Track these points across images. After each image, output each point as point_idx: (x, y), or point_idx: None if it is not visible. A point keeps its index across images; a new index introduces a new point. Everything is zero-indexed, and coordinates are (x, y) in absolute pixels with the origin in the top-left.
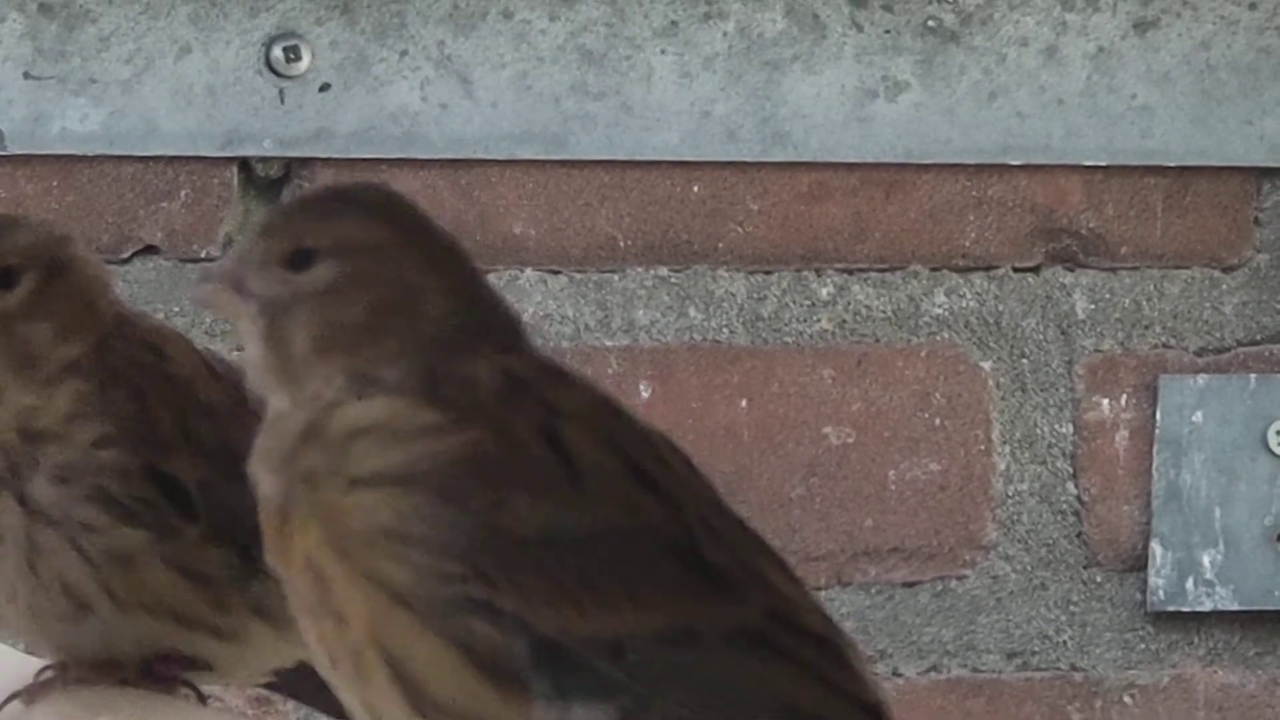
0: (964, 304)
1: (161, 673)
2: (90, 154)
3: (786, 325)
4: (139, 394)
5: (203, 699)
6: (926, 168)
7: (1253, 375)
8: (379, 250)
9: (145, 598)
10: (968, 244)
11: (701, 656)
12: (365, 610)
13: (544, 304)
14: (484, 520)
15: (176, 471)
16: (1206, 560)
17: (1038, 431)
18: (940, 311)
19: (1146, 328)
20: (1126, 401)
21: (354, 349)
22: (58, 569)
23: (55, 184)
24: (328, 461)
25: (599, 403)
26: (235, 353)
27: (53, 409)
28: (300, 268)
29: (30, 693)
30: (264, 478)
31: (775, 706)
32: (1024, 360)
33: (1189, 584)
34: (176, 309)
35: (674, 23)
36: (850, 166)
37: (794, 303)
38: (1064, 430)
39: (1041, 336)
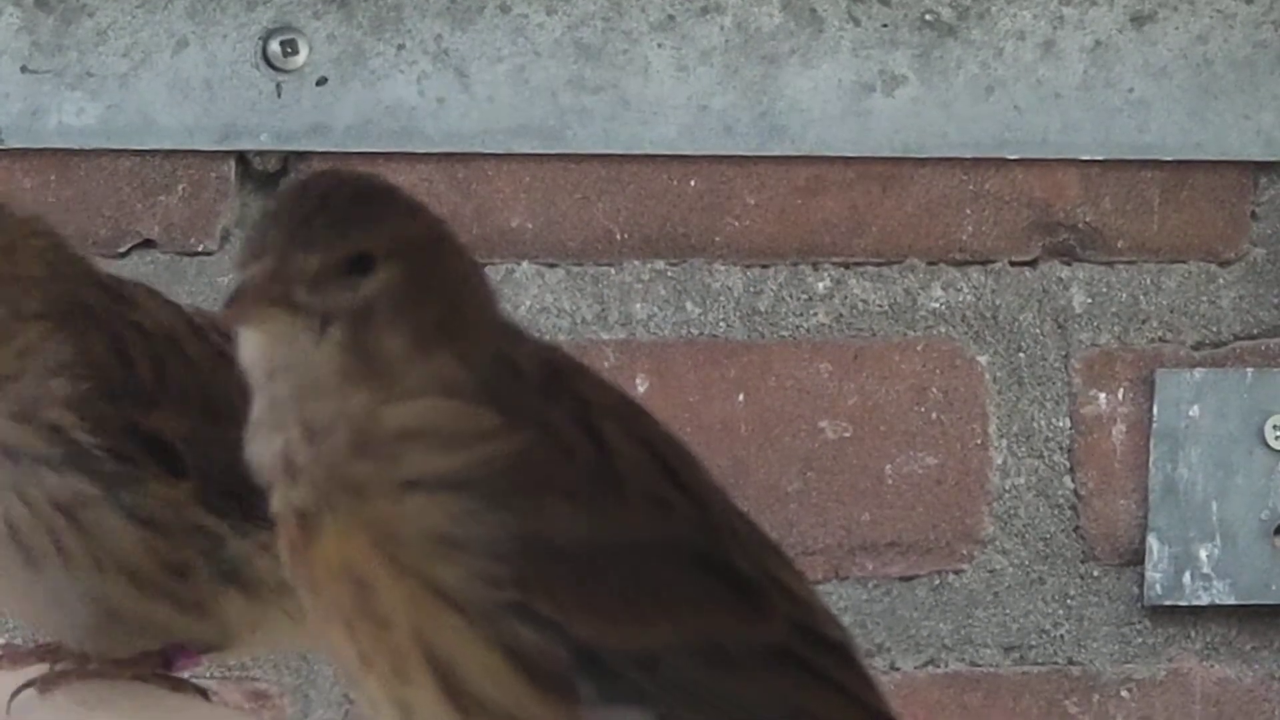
0: (961, 298)
1: (177, 661)
2: (87, 148)
3: (783, 319)
4: (117, 345)
5: (207, 696)
6: (923, 161)
7: (1250, 369)
8: (434, 245)
9: (95, 552)
10: (965, 238)
11: (729, 672)
12: (411, 612)
13: (541, 297)
14: (526, 526)
15: (160, 427)
16: (1203, 554)
17: (1034, 425)
18: (937, 305)
19: (1143, 322)
20: (1123, 395)
21: (453, 339)
22: (5, 511)
23: (52, 178)
24: (377, 468)
25: (622, 397)
26: None
27: (7, 350)
28: (361, 273)
29: (45, 681)
30: (294, 489)
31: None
32: (1021, 354)
33: (1186, 578)
34: None
35: (671, 16)
36: (847, 160)
37: (791, 296)
38: (1061, 424)
39: (1038, 330)
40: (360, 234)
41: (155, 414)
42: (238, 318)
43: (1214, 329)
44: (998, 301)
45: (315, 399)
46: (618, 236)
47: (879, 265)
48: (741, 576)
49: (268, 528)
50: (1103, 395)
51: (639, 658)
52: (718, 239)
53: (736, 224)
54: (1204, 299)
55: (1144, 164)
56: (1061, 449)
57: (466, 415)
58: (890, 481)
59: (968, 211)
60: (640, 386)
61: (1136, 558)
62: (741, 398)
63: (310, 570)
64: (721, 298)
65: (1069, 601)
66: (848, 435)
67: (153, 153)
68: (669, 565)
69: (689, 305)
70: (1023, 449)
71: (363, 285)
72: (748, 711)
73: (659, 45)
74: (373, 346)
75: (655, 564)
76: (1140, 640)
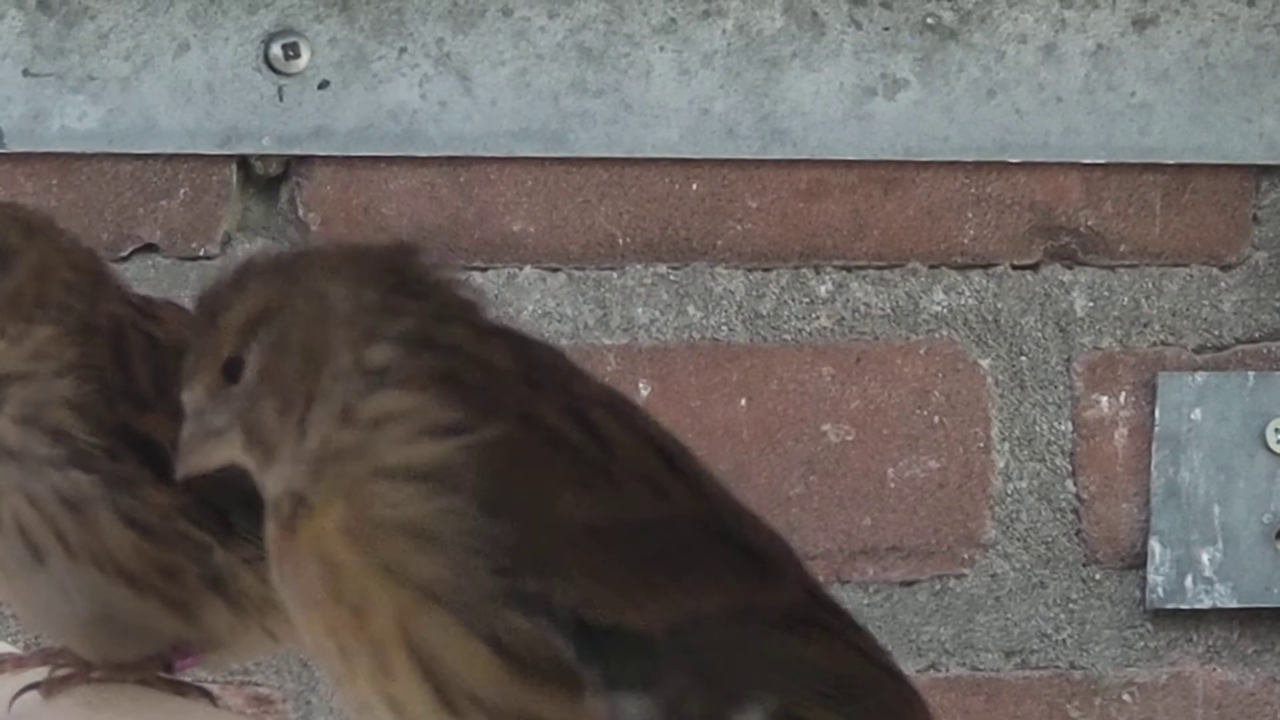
0: (963, 301)
1: (180, 661)
2: (89, 152)
3: (785, 323)
4: (118, 347)
5: (213, 700)
6: (925, 165)
7: (1251, 373)
8: (279, 312)
9: (95, 548)
10: (966, 241)
11: (758, 635)
12: (391, 604)
13: (543, 302)
14: (528, 515)
15: (152, 430)
16: (1205, 558)
17: (1036, 429)
18: (939, 309)
19: (1145, 325)
20: (1125, 399)
21: (302, 399)
22: (14, 509)
23: (54, 182)
24: (357, 440)
25: (610, 391)
26: None
27: (20, 350)
28: (235, 375)
29: (49, 685)
30: (280, 481)
31: (829, 681)
32: (1023, 358)
33: (1188, 581)
34: None
35: (673, 20)
36: (849, 164)
37: (793, 300)
38: (1063, 428)
39: (1040, 334)
40: (219, 342)
41: (148, 416)
42: (188, 469)
43: (1216, 332)
44: (999, 305)
45: (260, 480)
46: (619, 240)
47: (881, 269)
48: (753, 547)
49: (252, 543)
50: (1104, 399)
51: (661, 630)
52: (719, 243)
53: (738, 227)
54: (1206, 302)
55: (1146, 167)
56: (1063, 452)
57: (435, 405)
58: (892, 485)
59: (969, 215)
60: (642, 390)
61: (1138, 561)
62: (743, 401)
63: (290, 549)
64: (723, 301)
65: (1071, 605)
66: (850, 439)
67: (154, 156)
68: (680, 538)
69: (691, 309)
70: (1025, 453)
71: (238, 385)
72: (779, 674)
73: (661, 49)
74: (259, 432)
75: (666, 538)
76: (1142, 644)
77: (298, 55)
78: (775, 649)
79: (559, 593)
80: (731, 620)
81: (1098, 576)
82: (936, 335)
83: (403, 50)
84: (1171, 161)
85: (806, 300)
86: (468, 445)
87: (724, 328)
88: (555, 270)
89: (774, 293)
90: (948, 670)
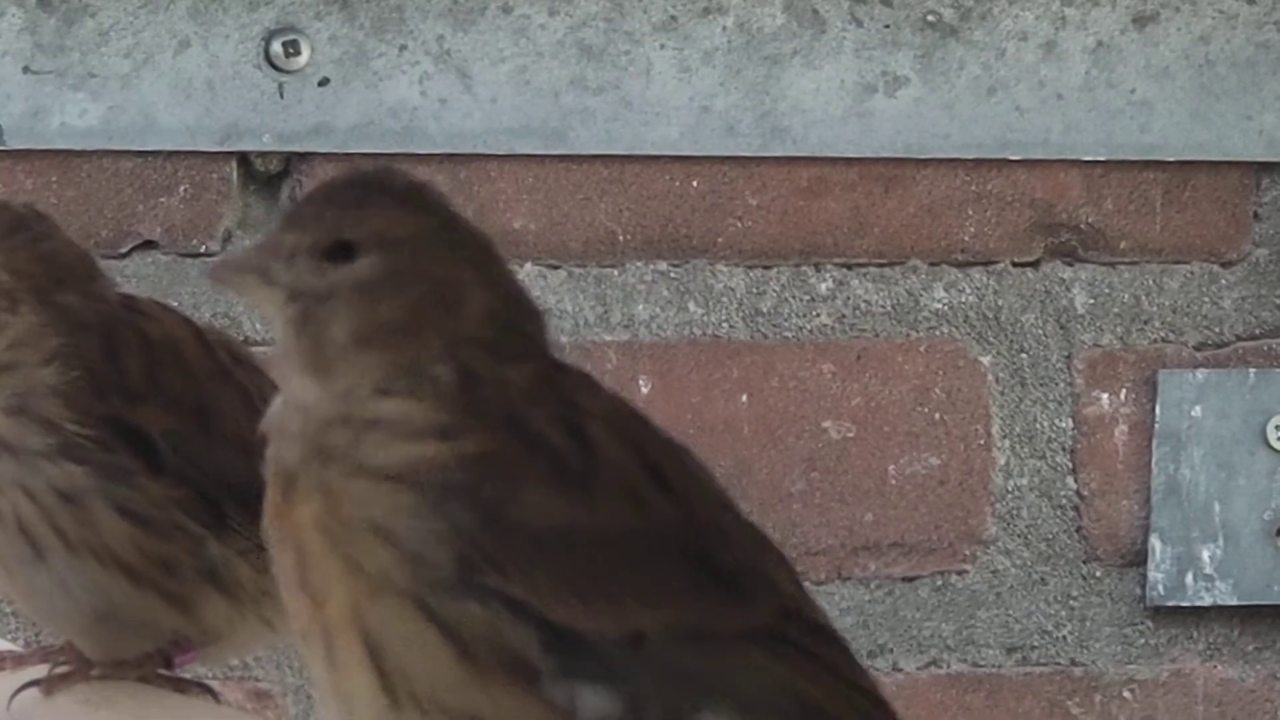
0: (963, 299)
1: (178, 656)
2: (89, 149)
3: (786, 320)
4: (109, 342)
5: (215, 696)
6: (925, 162)
7: (1252, 370)
8: (421, 244)
9: (93, 542)
10: (967, 239)
11: (717, 652)
12: (346, 592)
13: (543, 298)
14: (492, 510)
15: (143, 422)
16: (1206, 555)
17: (1037, 426)
18: (939, 306)
19: (1146, 322)
20: (1126, 396)
21: (395, 344)
22: (13, 504)
23: (54, 179)
24: (346, 443)
25: (622, 407)
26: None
27: (3, 339)
28: (339, 260)
29: (49, 683)
30: (281, 444)
31: (794, 701)
32: (1023, 355)
33: (1188, 579)
34: (176, 304)
35: (673, 17)
36: (849, 161)
37: (793, 297)
38: (1063, 425)
39: (1041, 331)
40: (344, 221)
41: (140, 409)
42: (215, 276)
43: (1216, 330)
44: (1000, 302)
45: (280, 372)
46: (620, 237)
47: (881, 266)
48: (723, 570)
49: (245, 535)
50: (1105, 396)
51: (617, 640)
52: (720, 240)
53: (739, 225)
54: (1206, 300)
55: (1146, 165)
56: (1064, 449)
57: (422, 411)
58: (893, 482)
59: (970, 212)
60: (643, 388)
61: (1139, 558)
62: (744, 398)
63: (279, 531)
64: (724, 299)
65: (1071, 602)
66: (851, 436)
67: (154, 154)
68: (645, 554)
69: (692, 306)
70: (1025, 450)
71: (334, 272)
72: (739, 692)
73: (661, 46)
74: (320, 333)
75: (630, 551)
76: (1143, 641)
77: (298, 52)
78: (730, 667)
79: (518, 590)
80: (686, 636)
81: (1098, 573)
82: (937, 332)
83: (403, 48)
84: (1172, 159)
85: (807, 297)
86: (444, 449)
87: (724, 325)
88: (556, 267)
89: (774, 290)
90: (949, 666)
